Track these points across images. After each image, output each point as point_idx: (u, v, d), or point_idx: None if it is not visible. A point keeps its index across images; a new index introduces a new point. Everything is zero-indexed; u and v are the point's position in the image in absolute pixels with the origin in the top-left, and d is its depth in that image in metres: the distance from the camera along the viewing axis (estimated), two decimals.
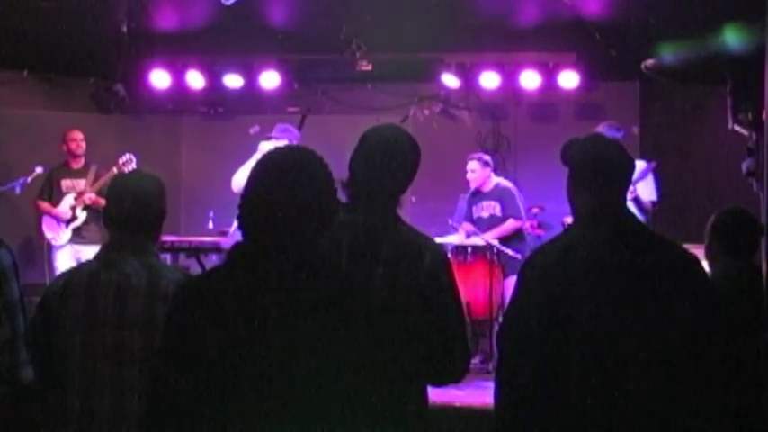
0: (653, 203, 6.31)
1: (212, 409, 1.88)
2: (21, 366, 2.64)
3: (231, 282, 1.95)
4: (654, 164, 6.39)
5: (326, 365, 1.87)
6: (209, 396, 1.88)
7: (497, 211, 6.91)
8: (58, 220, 7.42)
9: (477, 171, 6.96)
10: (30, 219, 8.01)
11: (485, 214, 6.96)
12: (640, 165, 6.32)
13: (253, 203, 2.00)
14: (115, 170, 7.32)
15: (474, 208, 7.04)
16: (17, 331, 2.63)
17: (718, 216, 3.80)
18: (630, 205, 6.19)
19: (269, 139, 6.81)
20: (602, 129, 6.46)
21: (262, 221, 1.98)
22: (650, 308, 2.45)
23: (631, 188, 6.15)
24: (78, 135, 7.56)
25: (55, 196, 7.48)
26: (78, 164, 7.56)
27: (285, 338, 1.87)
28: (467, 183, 7.17)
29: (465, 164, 7.10)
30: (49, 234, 7.47)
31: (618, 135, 6.42)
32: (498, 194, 6.94)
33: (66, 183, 7.52)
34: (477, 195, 7.05)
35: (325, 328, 1.89)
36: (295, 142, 6.68)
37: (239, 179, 6.99)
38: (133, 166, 7.53)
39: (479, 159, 6.99)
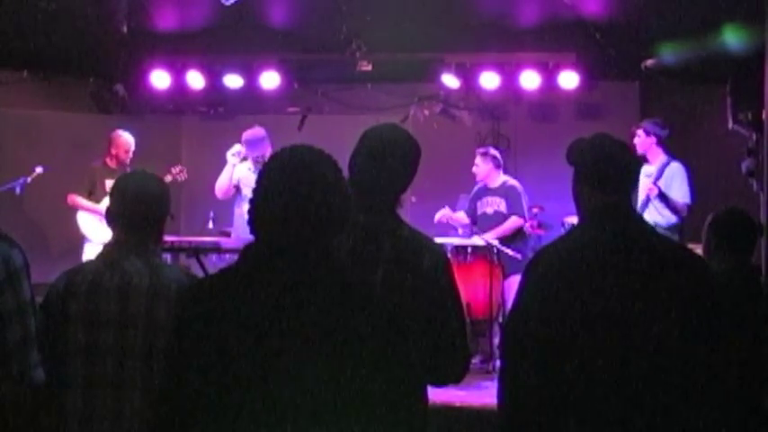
0: (687, 206, 6.26)
1: (223, 409, 1.87)
2: (32, 368, 2.64)
3: (243, 282, 1.94)
4: (677, 163, 6.36)
5: (332, 367, 1.87)
6: (221, 396, 1.87)
7: (502, 207, 6.86)
8: (98, 216, 7.32)
9: (479, 165, 6.93)
10: (29, 219, 8.01)
11: (489, 210, 6.91)
12: (675, 165, 6.31)
13: (263, 205, 1.98)
14: (169, 178, 7.41)
15: (479, 203, 6.98)
16: (28, 332, 2.63)
17: (715, 215, 3.82)
18: (657, 204, 6.20)
19: (244, 159, 6.89)
20: (645, 124, 6.47)
21: (272, 223, 1.96)
22: (656, 309, 2.44)
23: (654, 187, 6.16)
24: (131, 144, 7.49)
25: (96, 194, 7.37)
26: (120, 166, 7.42)
27: (295, 340, 1.87)
28: (467, 183, 7.17)
29: (465, 164, 7.10)
30: (85, 229, 7.41)
31: (663, 133, 6.41)
32: (505, 191, 6.90)
33: (110, 183, 7.43)
34: (484, 190, 7.00)
35: (335, 330, 1.88)
36: (267, 148, 6.74)
37: (220, 184, 7.02)
38: (185, 175, 7.68)
39: (483, 154, 6.95)
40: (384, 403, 1.92)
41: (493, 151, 7.05)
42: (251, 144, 6.90)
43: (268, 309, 1.89)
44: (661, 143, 6.41)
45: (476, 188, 7.08)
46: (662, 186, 6.21)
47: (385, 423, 1.91)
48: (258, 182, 2.01)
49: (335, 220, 1.99)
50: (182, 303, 2.02)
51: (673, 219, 6.21)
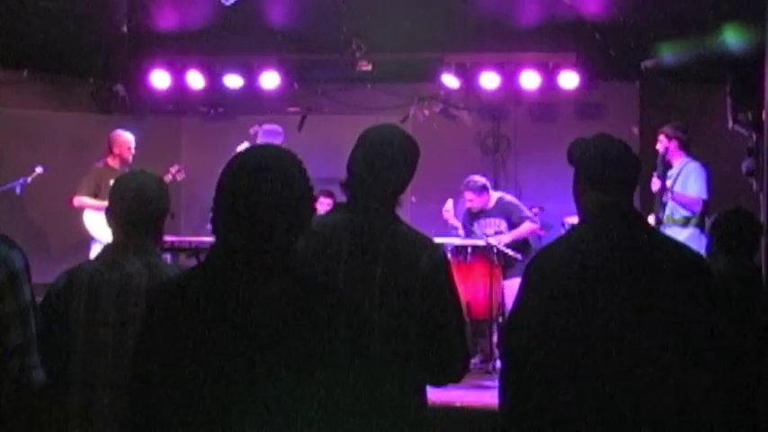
0: (703, 201, 6.29)
1: (192, 410, 1.86)
2: (32, 369, 2.64)
3: (205, 284, 1.93)
4: (694, 163, 6.41)
5: (304, 365, 1.86)
6: (189, 397, 1.86)
7: (503, 227, 6.80)
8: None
9: (474, 200, 6.82)
10: (29, 219, 8.00)
11: (489, 231, 6.78)
12: (692, 165, 6.36)
13: (224, 204, 1.96)
14: (169, 177, 7.46)
15: (476, 224, 6.85)
16: (29, 334, 2.63)
17: (718, 216, 3.83)
18: (673, 205, 6.27)
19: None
20: (666, 128, 6.48)
21: (233, 223, 1.94)
22: (657, 309, 2.43)
23: (656, 180, 6.21)
24: (132, 142, 7.51)
25: (101, 195, 7.32)
26: (123, 165, 7.44)
27: (262, 340, 1.86)
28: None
29: (465, 164, 7.09)
30: (92, 229, 7.41)
31: (684, 136, 6.43)
32: (502, 209, 6.84)
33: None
34: (479, 211, 6.88)
35: (302, 330, 1.87)
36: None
37: None
38: (183, 174, 7.72)
39: (473, 190, 6.79)
40: (377, 403, 1.91)
41: (481, 180, 6.87)
42: (268, 133, 6.98)
43: (230, 310, 1.88)
44: (683, 145, 6.45)
45: (468, 211, 6.94)
46: (679, 184, 6.32)
47: (378, 423, 1.90)
48: (218, 183, 2.00)
49: (296, 219, 1.96)
50: (148, 305, 2.01)
51: (686, 212, 6.30)
